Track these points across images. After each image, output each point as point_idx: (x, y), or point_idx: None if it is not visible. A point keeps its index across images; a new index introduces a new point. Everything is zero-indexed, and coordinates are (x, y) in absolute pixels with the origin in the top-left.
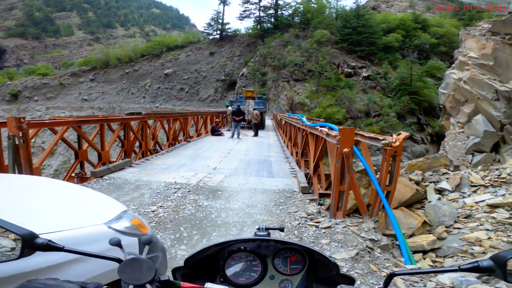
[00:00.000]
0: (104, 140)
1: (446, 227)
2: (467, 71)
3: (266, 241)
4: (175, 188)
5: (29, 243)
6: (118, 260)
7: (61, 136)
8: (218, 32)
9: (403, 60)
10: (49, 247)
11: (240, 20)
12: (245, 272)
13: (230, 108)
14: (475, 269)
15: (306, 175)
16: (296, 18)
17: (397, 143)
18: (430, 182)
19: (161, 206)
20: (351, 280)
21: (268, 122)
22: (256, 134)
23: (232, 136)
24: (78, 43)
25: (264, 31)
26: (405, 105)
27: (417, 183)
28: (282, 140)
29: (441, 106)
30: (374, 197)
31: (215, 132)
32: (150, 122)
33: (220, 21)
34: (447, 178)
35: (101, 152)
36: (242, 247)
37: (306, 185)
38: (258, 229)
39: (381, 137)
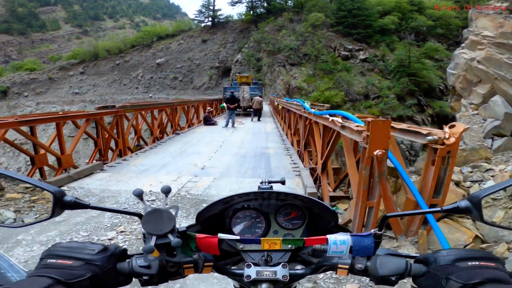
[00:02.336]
0: (62, 142)
1: (506, 243)
2: (481, 50)
3: (268, 198)
4: (148, 201)
5: (60, 201)
6: (139, 215)
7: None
8: (210, 19)
9: (401, 42)
10: (77, 204)
11: (232, 5)
12: (250, 229)
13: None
14: (455, 209)
15: (311, 170)
16: (289, 1)
17: (452, 140)
18: (472, 182)
19: (122, 231)
20: (345, 231)
21: (265, 108)
22: (258, 119)
23: (227, 125)
24: (66, 37)
25: (257, 16)
26: (404, 86)
27: (457, 184)
28: (280, 127)
29: (441, 87)
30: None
31: (208, 121)
32: (134, 115)
33: (211, 7)
34: (492, 176)
35: (60, 157)
36: (246, 205)
37: (314, 190)
38: (262, 182)
39: (424, 131)
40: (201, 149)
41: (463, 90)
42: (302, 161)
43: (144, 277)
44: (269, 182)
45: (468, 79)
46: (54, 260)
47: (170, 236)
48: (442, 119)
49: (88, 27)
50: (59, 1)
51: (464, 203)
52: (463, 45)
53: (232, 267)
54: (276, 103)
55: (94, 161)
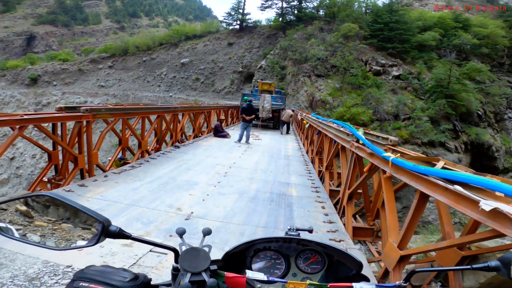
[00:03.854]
0: None
1: None
2: None
3: (289, 241)
4: None
5: (106, 230)
6: (173, 250)
7: None
8: (238, 22)
9: (440, 60)
10: (120, 235)
11: (262, 10)
12: (269, 269)
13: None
14: (485, 268)
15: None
16: (321, 10)
17: None
18: None
19: None
20: (367, 280)
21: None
22: (283, 132)
23: (240, 140)
24: (104, 31)
25: (286, 23)
26: (440, 109)
27: None
28: (303, 149)
29: (479, 112)
30: None
31: (218, 133)
32: (115, 120)
33: (241, 10)
34: None
35: None
36: (267, 246)
37: None
38: (290, 229)
39: None
40: (198, 177)
41: None
42: (340, 213)
43: None
44: (297, 230)
45: None
46: (86, 284)
47: (204, 274)
48: (477, 148)
49: (125, 23)
50: None
51: (494, 263)
52: None
53: None
54: (300, 117)
55: (46, 182)
